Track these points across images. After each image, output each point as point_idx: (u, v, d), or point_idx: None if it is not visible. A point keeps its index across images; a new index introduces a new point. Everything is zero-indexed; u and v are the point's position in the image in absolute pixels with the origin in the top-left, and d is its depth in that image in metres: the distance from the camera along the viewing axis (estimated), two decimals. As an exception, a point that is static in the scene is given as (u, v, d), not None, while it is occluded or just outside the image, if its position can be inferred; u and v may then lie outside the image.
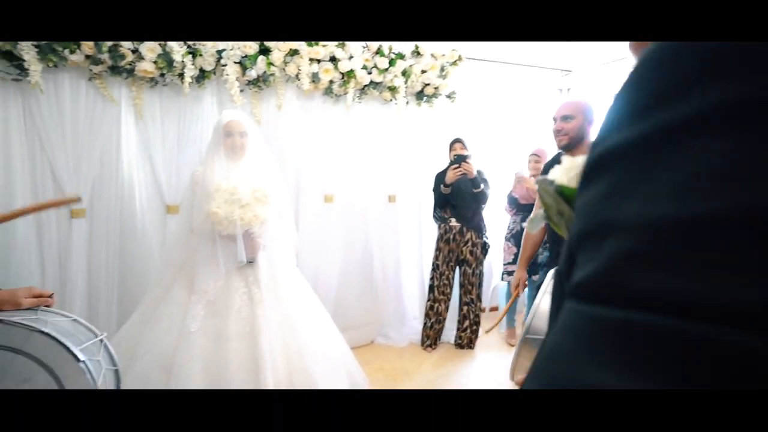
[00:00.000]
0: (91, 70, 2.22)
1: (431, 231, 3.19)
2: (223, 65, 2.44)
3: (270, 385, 1.71)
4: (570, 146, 1.86)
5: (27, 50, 2.04)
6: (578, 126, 1.85)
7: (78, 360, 1.10)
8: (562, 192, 0.50)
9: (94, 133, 2.29)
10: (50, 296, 1.23)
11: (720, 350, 0.15)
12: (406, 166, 3.14)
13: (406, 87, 2.98)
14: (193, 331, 1.74)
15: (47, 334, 1.09)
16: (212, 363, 1.72)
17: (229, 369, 1.70)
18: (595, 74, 3.66)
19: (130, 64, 2.25)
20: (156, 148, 2.44)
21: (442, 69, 3.05)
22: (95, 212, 2.35)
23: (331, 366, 1.95)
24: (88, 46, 2.13)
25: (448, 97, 3.20)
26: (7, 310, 1.15)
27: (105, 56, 2.17)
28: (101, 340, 1.24)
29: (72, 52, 2.12)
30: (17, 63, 2.06)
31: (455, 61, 3.07)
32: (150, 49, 2.23)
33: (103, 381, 1.17)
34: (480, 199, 2.90)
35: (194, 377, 1.66)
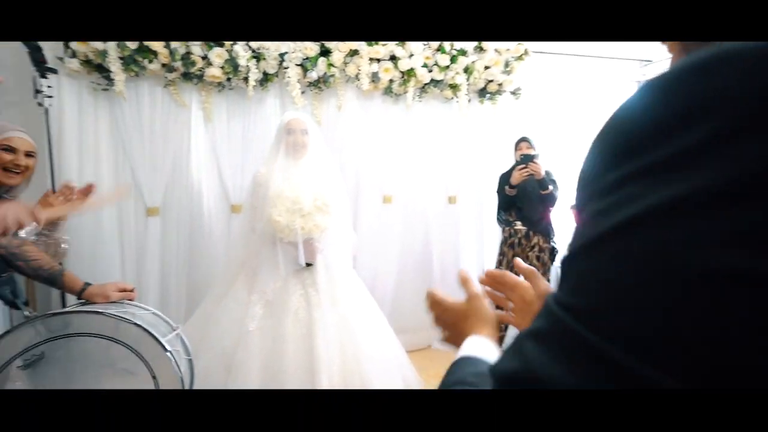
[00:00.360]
0: (166, 77, 2.37)
1: (493, 234, 3.04)
2: (285, 68, 2.49)
3: (324, 387, 1.69)
4: None
5: (113, 62, 2.21)
6: None
7: (165, 350, 1.20)
8: None
9: (168, 136, 2.44)
10: (131, 290, 1.36)
11: (574, 337, 0.23)
12: (468, 166, 3.03)
13: (468, 84, 2.86)
14: (250, 330, 1.76)
15: (140, 327, 1.19)
16: (270, 363, 1.73)
17: (286, 370, 1.71)
18: (681, 63, 3.29)
19: (200, 70, 2.36)
20: (222, 149, 2.55)
21: (507, 64, 2.90)
22: (167, 211, 2.50)
23: (386, 370, 1.90)
24: (163, 55, 2.27)
25: (513, 93, 3.04)
26: (98, 303, 1.29)
27: (178, 64, 2.30)
28: (177, 334, 1.34)
29: (150, 61, 2.28)
30: (106, 74, 2.25)
31: (521, 55, 2.90)
32: (218, 55, 2.34)
33: (184, 369, 1.27)
34: (548, 201, 2.72)
35: (252, 377, 1.69)
